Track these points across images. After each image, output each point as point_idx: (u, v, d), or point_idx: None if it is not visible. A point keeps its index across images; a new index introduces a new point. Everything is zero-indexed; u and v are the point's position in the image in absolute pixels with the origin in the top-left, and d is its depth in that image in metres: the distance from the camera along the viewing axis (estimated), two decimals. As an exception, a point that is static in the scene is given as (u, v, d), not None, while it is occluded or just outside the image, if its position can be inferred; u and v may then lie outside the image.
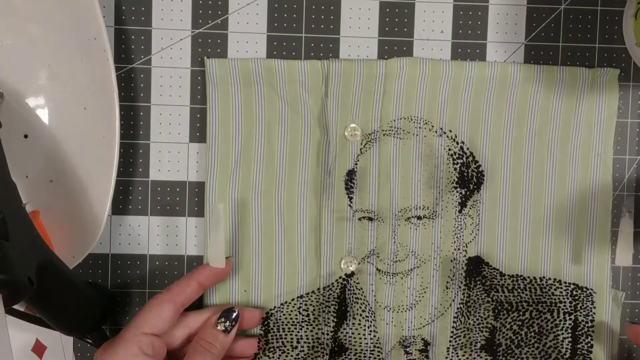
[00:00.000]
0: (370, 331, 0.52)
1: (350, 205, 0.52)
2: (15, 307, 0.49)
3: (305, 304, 0.52)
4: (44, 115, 0.50)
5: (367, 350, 0.52)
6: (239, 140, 0.51)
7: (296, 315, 0.52)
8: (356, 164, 0.51)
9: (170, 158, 0.52)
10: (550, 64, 0.53)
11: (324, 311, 0.52)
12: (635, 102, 0.54)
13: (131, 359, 0.45)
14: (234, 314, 0.48)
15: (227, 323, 0.48)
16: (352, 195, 0.52)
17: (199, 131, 0.52)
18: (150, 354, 0.45)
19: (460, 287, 0.53)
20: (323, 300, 0.52)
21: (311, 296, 0.52)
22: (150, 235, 0.53)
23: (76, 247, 0.49)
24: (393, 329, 0.52)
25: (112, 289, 0.53)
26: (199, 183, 0.52)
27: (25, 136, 0.50)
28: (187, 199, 0.52)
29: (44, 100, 0.50)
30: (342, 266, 0.52)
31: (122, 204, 0.52)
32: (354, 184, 0.51)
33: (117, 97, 0.47)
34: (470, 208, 0.53)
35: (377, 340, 0.52)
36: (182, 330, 0.48)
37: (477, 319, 0.53)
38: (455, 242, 0.53)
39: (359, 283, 0.52)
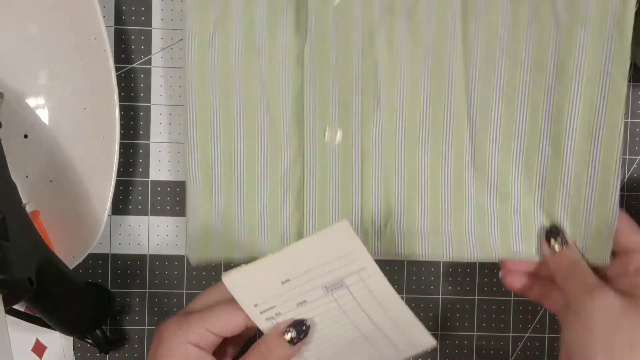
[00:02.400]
0: (357, 203, 0.50)
1: (333, 67, 0.49)
2: (15, 307, 0.49)
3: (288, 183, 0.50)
4: (44, 115, 0.50)
5: (355, 222, 0.50)
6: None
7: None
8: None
9: (170, 158, 0.52)
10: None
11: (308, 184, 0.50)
12: (636, 102, 0.54)
13: (187, 349, 0.44)
14: (305, 327, 0.46)
15: (295, 334, 0.45)
16: (333, 53, 0.48)
17: (199, 131, 0.52)
18: (205, 349, 0.44)
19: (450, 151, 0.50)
20: (308, 173, 0.50)
21: (295, 170, 0.50)
22: (150, 235, 0.53)
23: (76, 247, 0.49)
24: (382, 202, 0.50)
25: (112, 289, 0.53)
26: (199, 183, 0.52)
27: (25, 136, 0.50)
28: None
29: (44, 100, 0.50)
30: (326, 137, 0.49)
31: (122, 204, 0.52)
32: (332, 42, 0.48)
33: (117, 97, 0.47)
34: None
35: (365, 213, 0.50)
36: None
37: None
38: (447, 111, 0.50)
39: (344, 154, 0.50)
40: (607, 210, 0.48)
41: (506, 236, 0.50)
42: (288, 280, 0.43)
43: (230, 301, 0.44)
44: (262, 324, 0.45)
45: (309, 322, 0.46)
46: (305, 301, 0.45)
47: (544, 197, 0.50)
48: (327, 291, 0.45)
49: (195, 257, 0.49)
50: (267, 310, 0.45)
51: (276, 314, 0.45)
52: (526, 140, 0.49)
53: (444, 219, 0.50)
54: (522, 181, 0.50)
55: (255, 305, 0.44)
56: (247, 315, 0.45)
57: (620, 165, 0.48)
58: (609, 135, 0.47)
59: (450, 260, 0.50)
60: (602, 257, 0.48)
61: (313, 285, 0.44)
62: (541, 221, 0.50)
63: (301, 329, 0.45)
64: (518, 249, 0.50)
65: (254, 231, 0.50)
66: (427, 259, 0.50)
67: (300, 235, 0.50)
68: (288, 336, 0.45)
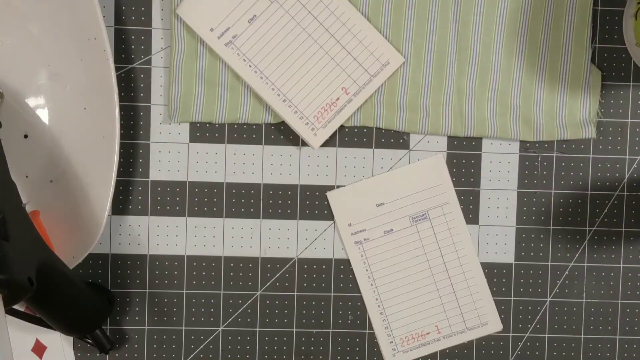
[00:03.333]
0: None
1: None
2: (15, 307, 0.49)
3: None
4: (44, 115, 0.50)
5: None
6: None
7: None
8: None
9: (170, 158, 0.52)
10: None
11: None
12: (635, 102, 0.54)
13: None
14: None
15: None
16: None
17: (198, 131, 0.52)
18: None
19: None
20: None
21: None
22: (150, 235, 0.53)
23: (76, 247, 0.49)
24: None
25: (112, 289, 0.53)
26: (199, 183, 0.52)
27: (25, 136, 0.50)
28: (187, 199, 0.52)
29: (44, 100, 0.50)
30: None
31: (122, 204, 0.52)
32: None
33: (117, 97, 0.47)
34: None
35: None
36: None
37: None
38: None
39: None
40: (581, 74, 0.52)
41: (481, 111, 0.52)
42: (382, 204, 0.51)
43: None
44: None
45: None
46: (392, 230, 0.51)
47: (522, 75, 0.52)
48: (413, 222, 0.51)
49: (178, 118, 0.51)
50: (358, 232, 0.51)
51: (364, 239, 0.51)
52: (508, 20, 0.52)
53: (424, 95, 0.52)
54: (503, 60, 0.52)
55: (349, 225, 0.51)
56: None
57: (590, 34, 0.52)
58: (580, 14, 0.52)
59: (425, 134, 0.52)
60: (583, 132, 0.52)
61: (402, 214, 0.51)
62: (518, 98, 0.52)
63: None
64: (492, 123, 0.52)
65: (236, 93, 0.51)
66: (403, 131, 0.52)
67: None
68: None
